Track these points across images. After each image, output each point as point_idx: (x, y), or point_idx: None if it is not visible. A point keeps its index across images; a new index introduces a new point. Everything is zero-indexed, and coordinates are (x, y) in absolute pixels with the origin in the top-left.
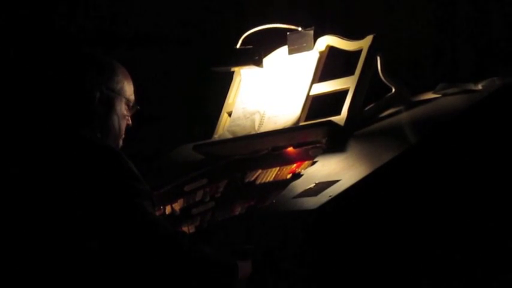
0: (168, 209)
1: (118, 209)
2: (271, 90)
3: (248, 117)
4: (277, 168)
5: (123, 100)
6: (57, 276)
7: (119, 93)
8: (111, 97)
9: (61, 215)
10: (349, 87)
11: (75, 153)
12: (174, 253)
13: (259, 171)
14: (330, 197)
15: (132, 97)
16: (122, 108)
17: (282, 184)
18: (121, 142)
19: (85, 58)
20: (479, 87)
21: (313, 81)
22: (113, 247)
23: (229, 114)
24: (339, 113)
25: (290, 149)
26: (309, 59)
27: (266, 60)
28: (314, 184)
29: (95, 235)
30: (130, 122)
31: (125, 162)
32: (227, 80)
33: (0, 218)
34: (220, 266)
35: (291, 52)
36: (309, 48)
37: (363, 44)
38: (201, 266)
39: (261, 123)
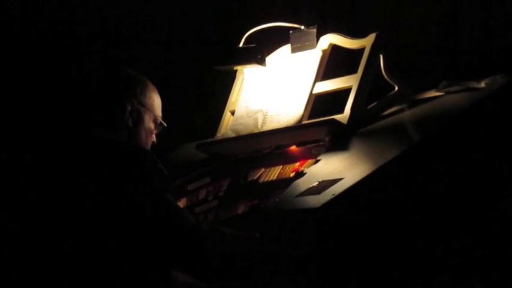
0: None
1: (147, 202)
2: (274, 88)
3: (251, 116)
4: (280, 166)
5: (152, 116)
6: (90, 262)
7: (149, 108)
8: (141, 111)
9: (92, 210)
10: (351, 85)
11: (107, 153)
12: (196, 242)
13: (262, 169)
14: (333, 196)
15: (160, 114)
16: (150, 124)
17: (285, 183)
18: None
19: (118, 71)
20: (482, 85)
21: (316, 80)
22: (144, 236)
23: (232, 113)
24: (341, 111)
25: (293, 147)
26: (311, 58)
27: (269, 58)
28: (317, 182)
29: (124, 227)
30: (155, 139)
31: (155, 161)
32: (230, 78)
33: (41, 214)
34: (244, 247)
35: (293, 51)
36: (312, 46)
37: (366, 42)
38: (224, 254)
39: (264, 122)
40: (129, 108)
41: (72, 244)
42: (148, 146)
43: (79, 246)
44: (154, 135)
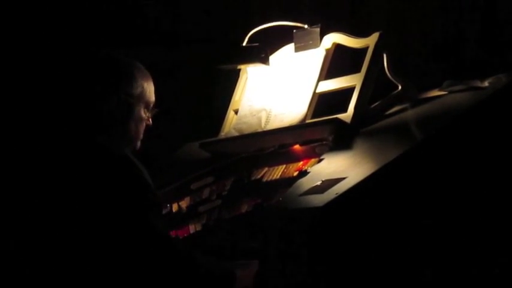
0: (174, 207)
1: (120, 217)
2: (278, 87)
3: (254, 115)
4: (284, 165)
5: (143, 104)
6: (55, 280)
7: (138, 97)
8: (129, 103)
9: (66, 220)
10: (355, 84)
11: (88, 161)
12: (170, 266)
13: (266, 168)
14: (337, 195)
15: (151, 99)
16: (141, 112)
17: (288, 182)
18: (139, 144)
19: (103, 63)
20: (486, 84)
21: (319, 79)
22: (111, 255)
23: (236, 112)
24: (345, 110)
25: (296, 146)
26: (315, 57)
27: (272, 58)
28: (320, 181)
29: (95, 242)
30: (150, 122)
31: (137, 170)
32: (234, 77)
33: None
34: (217, 278)
35: (297, 50)
36: (315, 45)
37: (369, 41)
38: (199, 280)
39: (267, 121)
40: (116, 102)
41: (46, 256)
42: (140, 135)
43: (54, 259)
44: (149, 119)
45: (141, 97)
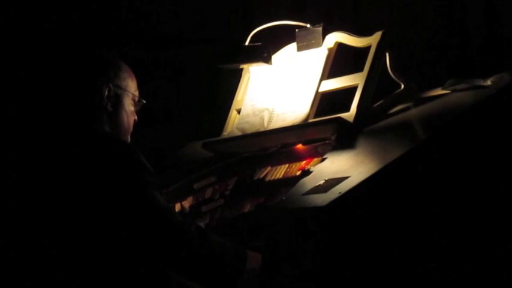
0: (177, 207)
1: (130, 199)
2: (280, 87)
3: (257, 115)
4: (287, 165)
5: (130, 96)
6: (71, 263)
7: (125, 89)
8: (118, 94)
9: (75, 207)
10: (358, 83)
11: (89, 148)
12: (183, 241)
13: (269, 168)
14: (340, 194)
15: (136, 93)
16: (129, 104)
17: (291, 181)
18: (129, 138)
19: (91, 56)
20: (488, 83)
21: (322, 78)
22: (125, 236)
23: (238, 111)
24: (347, 109)
25: (299, 146)
26: (317, 56)
27: (275, 57)
28: (323, 181)
29: (108, 225)
30: (136, 117)
31: (137, 155)
32: (236, 77)
33: (17, 213)
34: (229, 253)
35: (299, 49)
36: (318, 45)
37: (372, 40)
38: (210, 254)
39: (270, 120)
40: (107, 93)
41: (57, 244)
42: (131, 128)
43: (64, 246)
44: (135, 114)
45: (128, 89)
